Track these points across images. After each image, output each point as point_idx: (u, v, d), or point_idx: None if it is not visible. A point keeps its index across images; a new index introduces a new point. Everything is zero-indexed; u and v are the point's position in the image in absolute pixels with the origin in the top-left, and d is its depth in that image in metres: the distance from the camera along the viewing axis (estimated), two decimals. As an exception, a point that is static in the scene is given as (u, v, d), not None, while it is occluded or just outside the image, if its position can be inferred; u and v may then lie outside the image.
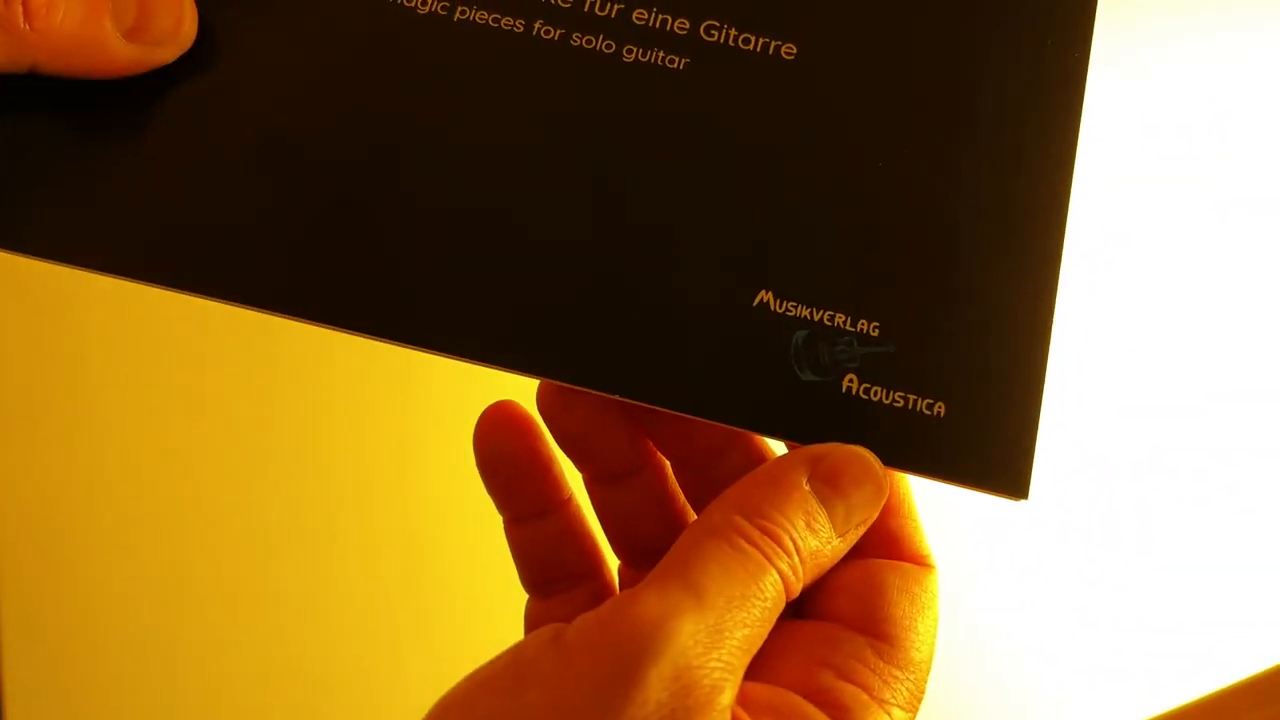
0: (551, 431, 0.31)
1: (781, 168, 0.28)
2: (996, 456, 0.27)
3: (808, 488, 0.26)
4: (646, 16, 0.29)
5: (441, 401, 0.62)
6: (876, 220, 0.28)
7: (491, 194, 0.28)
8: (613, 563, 0.33)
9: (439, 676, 0.25)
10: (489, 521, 0.32)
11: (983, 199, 0.28)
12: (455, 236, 0.28)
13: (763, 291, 0.28)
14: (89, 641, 0.61)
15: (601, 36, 0.29)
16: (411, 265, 0.28)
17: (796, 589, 0.26)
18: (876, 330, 0.28)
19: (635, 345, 0.28)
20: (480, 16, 0.29)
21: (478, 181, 0.28)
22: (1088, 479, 0.59)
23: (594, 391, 0.27)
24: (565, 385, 0.28)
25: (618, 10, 0.29)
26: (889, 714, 0.25)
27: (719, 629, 0.23)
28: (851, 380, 0.27)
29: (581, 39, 0.29)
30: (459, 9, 0.29)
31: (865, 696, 0.25)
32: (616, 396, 0.27)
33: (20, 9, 0.26)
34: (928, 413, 0.27)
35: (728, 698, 0.23)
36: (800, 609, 0.27)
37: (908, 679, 0.26)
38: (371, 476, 0.62)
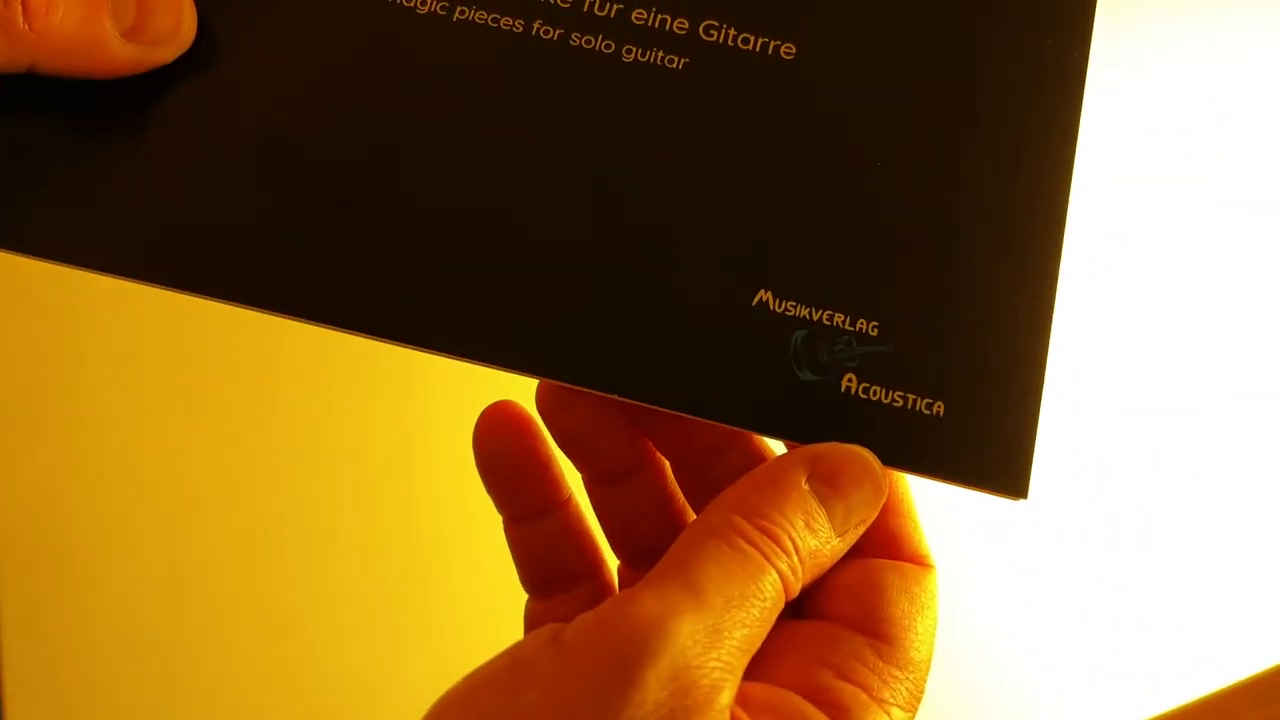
0: (551, 431, 0.31)
1: (781, 167, 0.28)
2: (996, 456, 0.27)
3: (807, 487, 0.26)
4: (646, 16, 0.29)
5: (441, 401, 0.62)
6: (876, 220, 0.28)
7: (491, 194, 0.28)
8: (612, 563, 0.33)
9: (439, 676, 0.25)
10: (489, 521, 0.32)
11: (982, 199, 0.28)
12: (455, 236, 0.28)
13: (762, 291, 0.28)
14: (89, 641, 0.61)
15: (601, 36, 0.29)
16: (411, 265, 0.28)
17: (795, 589, 0.26)
18: (876, 330, 0.28)
19: (634, 345, 0.28)
20: (480, 16, 0.29)
21: (477, 181, 0.28)
22: (1087, 479, 0.59)
23: (593, 391, 0.27)
24: (564, 385, 0.28)
25: (617, 10, 0.29)
26: (888, 714, 0.25)
27: (718, 629, 0.23)
28: (851, 380, 0.27)
29: (581, 39, 0.29)
30: (458, 9, 0.29)
31: (864, 696, 0.25)
32: (616, 396, 0.27)
33: (19, 9, 0.26)
34: (927, 412, 0.27)
35: (726, 697, 0.23)
36: (799, 609, 0.27)
37: (907, 679, 0.26)
38: (371, 476, 0.63)
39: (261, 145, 0.28)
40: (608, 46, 0.29)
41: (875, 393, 0.27)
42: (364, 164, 0.28)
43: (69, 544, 0.61)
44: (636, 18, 0.29)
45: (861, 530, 0.27)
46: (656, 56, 0.29)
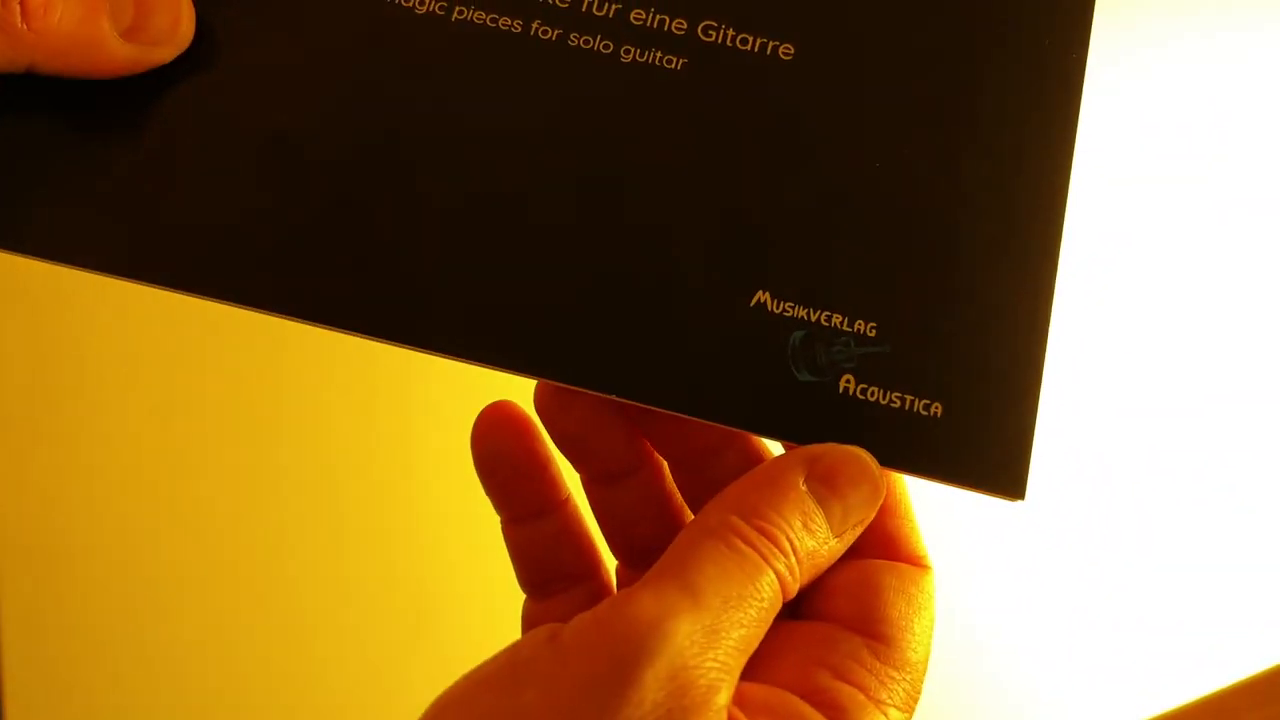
0: (549, 432, 0.31)
1: (779, 168, 0.28)
2: (994, 457, 0.27)
3: (804, 488, 0.26)
4: (644, 17, 0.29)
5: (440, 402, 0.62)
6: (874, 220, 0.28)
7: (489, 194, 0.28)
8: (610, 563, 0.33)
9: (437, 676, 0.25)
10: (487, 522, 0.32)
11: (981, 199, 0.28)
12: (453, 237, 0.28)
13: (760, 292, 0.28)
14: (89, 641, 0.61)
15: (599, 37, 0.29)
16: (409, 265, 0.28)
17: (793, 589, 0.26)
18: (874, 330, 0.28)
19: (633, 345, 0.28)
20: (478, 17, 0.29)
21: (475, 182, 0.28)
22: (1085, 479, 0.59)
23: (591, 392, 0.27)
24: (563, 385, 0.28)
25: (615, 10, 0.29)
26: (885, 714, 0.25)
27: (715, 629, 0.23)
28: (848, 381, 0.27)
29: (579, 39, 0.29)
30: (457, 9, 0.29)
31: (862, 697, 0.25)
32: (613, 397, 0.27)
33: (18, 9, 0.26)
34: (925, 413, 0.27)
35: (724, 698, 0.23)
36: (797, 609, 0.27)
37: (904, 679, 0.26)
38: (370, 477, 0.63)
39: (260, 145, 0.28)
40: (606, 47, 0.29)
41: (873, 393, 0.27)
42: (362, 164, 0.28)
43: (69, 544, 0.61)
44: (635, 18, 0.29)
45: (859, 531, 0.27)
46: (655, 57, 0.29)
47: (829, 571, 0.27)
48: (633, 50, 0.29)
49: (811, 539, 0.26)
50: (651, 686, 0.22)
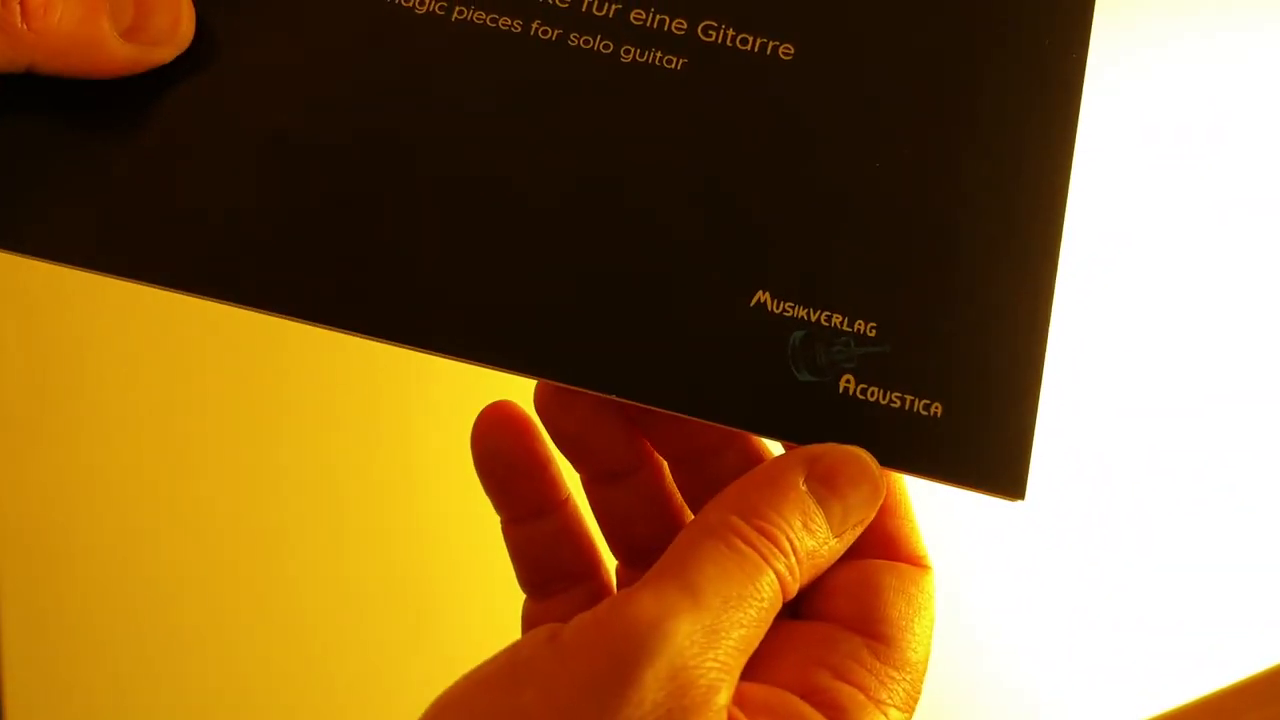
0: (549, 431, 0.31)
1: (779, 168, 0.28)
2: (994, 457, 0.27)
3: (804, 488, 0.26)
4: (644, 17, 0.29)
5: (440, 402, 0.62)
6: (874, 220, 0.28)
7: (489, 194, 0.28)
8: (610, 563, 0.33)
9: (437, 676, 0.25)
10: (487, 522, 0.32)
11: (981, 199, 0.28)
12: (453, 237, 0.28)
13: (760, 292, 0.28)
14: (89, 641, 0.61)
15: (599, 37, 0.29)
16: (409, 265, 0.28)
17: (793, 589, 0.26)
18: (874, 330, 0.28)
19: (632, 345, 0.28)
20: (478, 17, 0.29)
21: (475, 182, 0.28)
22: (1085, 479, 0.59)
23: (591, 391, 0.27)
24: (562, 385, 0.28)
25: (615, 10, 0.29)
26: (885, 714, 0.25)
27: (715, 629, 0.23)
28: (849, 381, 0.27)
29: (579, 39, 0.29)
30: (456, 9, 0.29)
31: (862, 697, 0.25)
32: (613, 397, 0.27)
33: (18, 9, 0.26)
34: (925, 413, 0.27)
35: (724, 698, 0.23)
36: (797, 609, 0.27)
37: (904, 679, 0.26)
38: (370, 477, 0.63)
39: (260, 145, 0.28)
40: (606, 47, 0.29)
41: (873, 393, 0.27)
42: (362, 164, 0.28)
43: (69, 544, 0.61)
44: (635, 18, 0.29)
45: (859, 531, 0.27)
46: (655, 57, 0.29)
47: (829, 571, 0.27)
48: (633, 50, 0.29)
49: (811, 539, 0.26)
50: (651, 686, 0.22)
